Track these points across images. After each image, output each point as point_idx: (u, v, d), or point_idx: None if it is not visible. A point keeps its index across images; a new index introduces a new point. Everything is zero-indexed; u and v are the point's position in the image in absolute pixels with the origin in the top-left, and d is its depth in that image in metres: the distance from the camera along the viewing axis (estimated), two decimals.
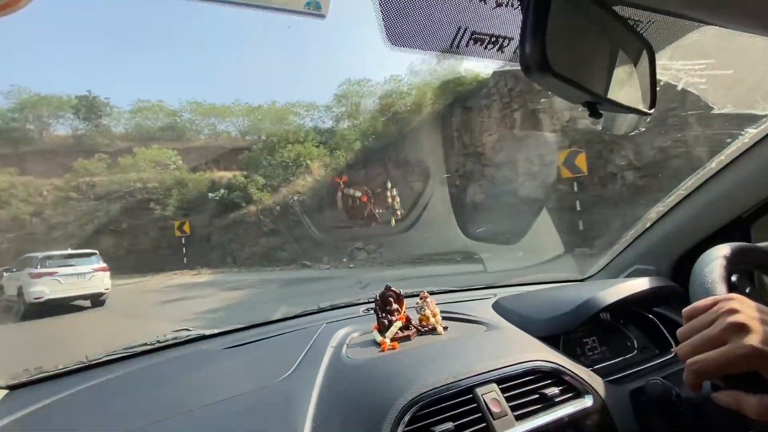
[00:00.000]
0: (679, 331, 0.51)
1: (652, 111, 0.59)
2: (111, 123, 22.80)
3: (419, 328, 1.10)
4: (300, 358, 0.98)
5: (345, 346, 1.03)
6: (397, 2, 0.46)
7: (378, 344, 1.01)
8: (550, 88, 0.47)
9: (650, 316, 1.20)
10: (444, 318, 1.16)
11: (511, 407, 0.80)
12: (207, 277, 13.81)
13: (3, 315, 9.09)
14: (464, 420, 0.76)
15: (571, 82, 0.45)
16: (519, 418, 0.79)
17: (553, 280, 1.66)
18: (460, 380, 0.81)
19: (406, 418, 0.72)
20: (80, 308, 8.83)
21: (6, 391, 0.96)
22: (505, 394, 0.82)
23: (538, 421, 0.80)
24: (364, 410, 0.76)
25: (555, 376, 0.90)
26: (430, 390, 0.78)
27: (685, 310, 0.52)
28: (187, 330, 1.28)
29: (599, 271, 1.55)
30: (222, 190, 17.08)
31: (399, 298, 1.11)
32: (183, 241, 16.05)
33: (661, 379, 0.84)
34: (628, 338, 1.17)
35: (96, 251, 9.81)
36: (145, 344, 1.18)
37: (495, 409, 0.78)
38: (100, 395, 0.94)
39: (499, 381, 0.84)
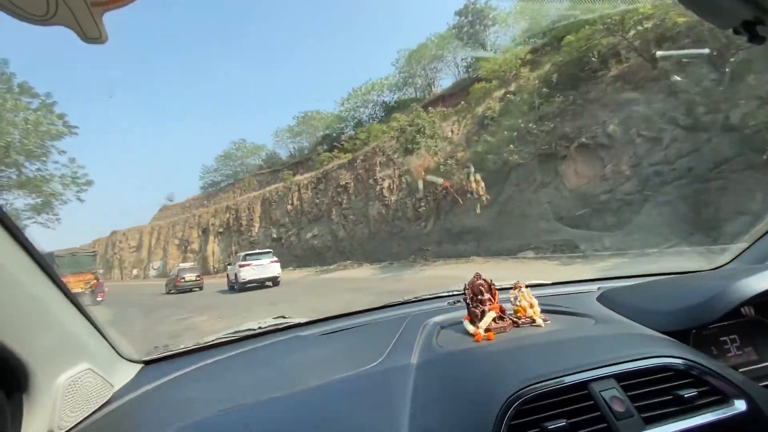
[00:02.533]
0: None
1: None
2: (497, 35, 18.07)
3: (515, 320, 1.03)
4: (391, 346, 1.00)
5: (435, 336, 1.02)
6: None
7: (471, 335, 0.98)
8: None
9: None
10: (543, 311, 1.07)
11: (636, 408, 0.70)
12: None
13: (227, 291, 13.82)
14: (580, 418, 0.68)
15: None
16: (648, 421, 0.69)
17: (670, 272, 1.38)
18: (571, 374, 0.72)
19: (512, 411, 0.67)
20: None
21: (142, 365, 1.11)
22: (628, 393, 0.72)
23: (673, 426, 0.69)
24: (466, 399, 0.72)
25: (691, 375, 0.76)
26: (538, 383, 0.70)
27: None
28: (284, 318, 1.42)
29: (733, 259, 1.24)
30: None
31: (491, 288, 1.06)
32: None
33: None
34: None
35: (271, 250, 15.28)
36: (250, 329, 1.31)
37: (618, 408, 0.69)
38: (215, 372, 1.05)
39: (619, 377, 0.74)
